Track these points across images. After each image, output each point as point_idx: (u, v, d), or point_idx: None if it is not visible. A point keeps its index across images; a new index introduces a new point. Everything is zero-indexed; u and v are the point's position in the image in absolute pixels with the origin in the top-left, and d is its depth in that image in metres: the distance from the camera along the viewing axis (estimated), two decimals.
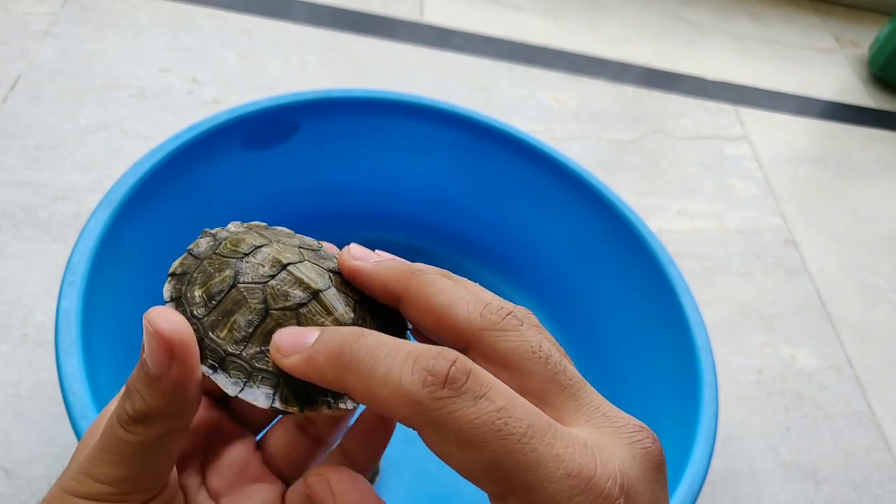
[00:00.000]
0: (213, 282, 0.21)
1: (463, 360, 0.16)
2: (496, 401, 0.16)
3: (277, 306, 0.20)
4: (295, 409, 0.20)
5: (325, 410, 0.20)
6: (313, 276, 0.21)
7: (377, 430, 0.22)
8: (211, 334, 0.20)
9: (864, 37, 1.23)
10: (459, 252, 0.64)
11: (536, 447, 0.16)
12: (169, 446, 0.19)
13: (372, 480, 0.51)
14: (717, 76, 1.05)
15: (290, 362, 0.18)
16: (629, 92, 0.97)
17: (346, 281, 0.22)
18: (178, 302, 0.21)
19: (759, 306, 0.75)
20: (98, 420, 0.22)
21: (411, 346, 0.17)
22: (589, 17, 1.08)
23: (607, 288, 0.57)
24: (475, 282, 0.20)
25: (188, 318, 0.20)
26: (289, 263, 0.21)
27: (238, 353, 0.20)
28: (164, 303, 0.21)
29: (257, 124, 0.54)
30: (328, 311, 0.20)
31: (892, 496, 0.63)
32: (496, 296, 0.19)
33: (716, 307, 0.74)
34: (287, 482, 0.23)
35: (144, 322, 0.18)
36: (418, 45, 0.92)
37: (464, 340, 0.18)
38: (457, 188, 0.61)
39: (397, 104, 0.57)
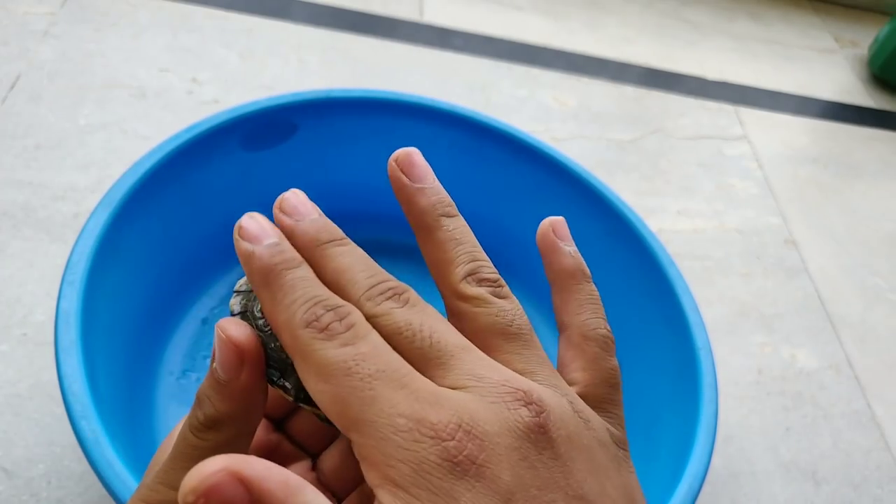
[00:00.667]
0: None
1: (353, 316, 0.18)
2: (360, 348, 0.18)
3: None
4: None
5: None
6: None
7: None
8: (273, 345, 0.21)
9: (863, 37, 1.23)
10: None
11: (376, 388, 0.17)
12: (238, 451, 0.20)
13: None
14: (717, 76, 1.05)
15: (239, 245, 0.20)
16: (629, 92, 0.97)
17: None
18: (244, 315, 0.22)
19: (759, 306, 0.75)
20: (168, 438, 0.23)
21: (324, 292, 0.19)
22: (589, 16, 1.08)
23: (607, 288, 0.57)
24: None
25: (254, 330, 0.22)
26: None
27: None
28: (229, 314, 0.23)
29: (257, 124, 0.54)
30: None
31: (891, 496, 0.63)
32: (380, 273, 0.20)
33: (715, 307, 0.74)
34: (340, 500, 0.24)
35: (217, 331, 0.20)
36: (418, 45, 0.92)
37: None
38: (456, 188, 0.61)
39: (397, 104, 0.57)
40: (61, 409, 0.50)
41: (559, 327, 0.23)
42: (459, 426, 0.17)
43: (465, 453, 0.16)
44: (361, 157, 0.60)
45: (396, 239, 0.64)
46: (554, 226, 0.23)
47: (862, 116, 1.07)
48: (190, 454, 0.20)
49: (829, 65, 1.16)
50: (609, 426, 0.20)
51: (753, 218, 0.85)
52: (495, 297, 0.20)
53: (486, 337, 0.20)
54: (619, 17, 1.11)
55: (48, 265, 0.58)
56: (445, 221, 0.22)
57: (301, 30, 0.88)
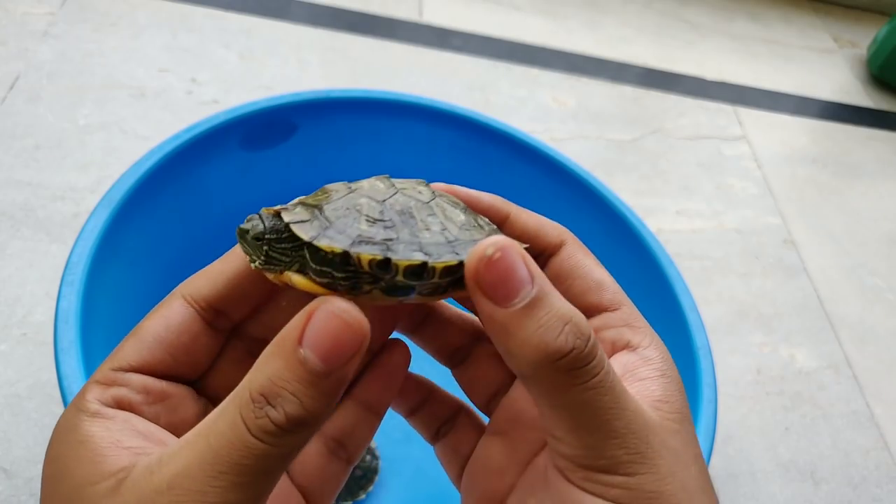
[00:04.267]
0: (363, 208, 0.21)
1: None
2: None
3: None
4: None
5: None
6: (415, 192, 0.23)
7: (391, 377, 0.24)
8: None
9: (862, 37, 1.23)
10: None
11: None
12: (295, 456, 0.18)
13: (371, 480, 0.51)
14: (716, 76, 1.05)
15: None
16: (628, 92, 0.97)
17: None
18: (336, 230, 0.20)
19: (758, 306, 0.75)
20: (144, 325, 0.21)
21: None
22: (588, 17, 1.08)
23: None
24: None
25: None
26: (390, 182, 0.22)
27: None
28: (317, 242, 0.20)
29: (256, 124, 0.54)
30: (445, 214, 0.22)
31: (890, 496, 0.63)
32: None
33: (715, 307, 0.74)
34: (311, 500, 0.24)
35: (329, 311, 0.17)
36: (417, 46, 0.92)
37: (550, 249, 0.24)
38: None
39: (396, 104, 0.57)
40: (61, 410, 0.50)
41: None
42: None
43: None
44: (361, 156, 0.60)
45: None
46: None
47: (861, 116, 1.08)
48: (253, 466, 0.16)
49: (828, 65, 1.16)
50: None
51: (752, 218, 0.85)
52: None
53: None
54: (619, 17, 1.11)
55: (47, 265, 0.58)
56: None
57: (300, 30, 0.88)
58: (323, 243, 0.19)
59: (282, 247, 0.20)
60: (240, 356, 0.23)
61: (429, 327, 0.26)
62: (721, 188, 0.88)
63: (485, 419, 0.26)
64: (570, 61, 0.99)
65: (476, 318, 0.25)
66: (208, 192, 0.53)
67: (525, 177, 0.59)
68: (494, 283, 0.18)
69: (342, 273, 0.19)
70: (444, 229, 0.21)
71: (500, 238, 0.18)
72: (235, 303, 0.22)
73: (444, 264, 0.20)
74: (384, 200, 0.21)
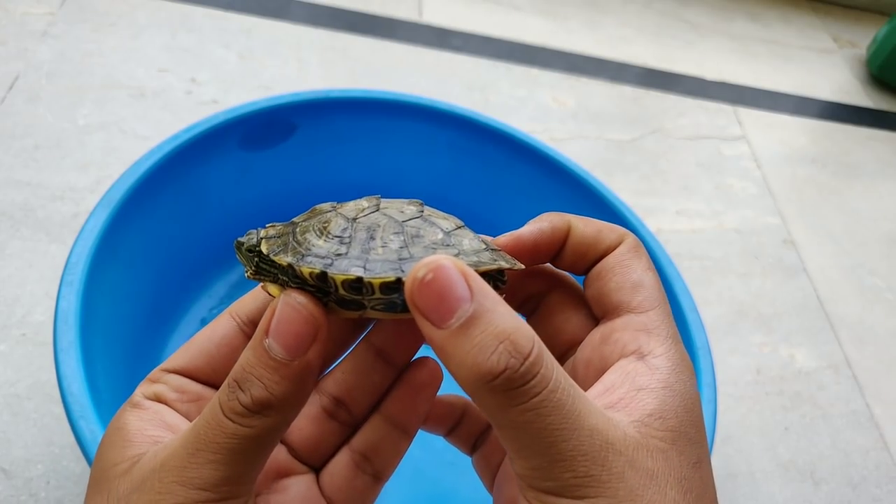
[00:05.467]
0: (329, 225, 0.22)
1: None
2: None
3: (402, 219, 0.22)
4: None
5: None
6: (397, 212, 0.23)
7: (411, 333, 0.24)
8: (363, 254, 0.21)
9: (862, 37, 1.23)
10: None
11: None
12: (274, 442, 0.19)
13: None
14: (716, 76, 1.05)
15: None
16: (628, 92, 0.97)
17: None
18: (295, 252, 0.21)
19: (758, 306, 0.75)
20: (118, 428, 0.21)
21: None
22: (588, 17, 1.08)
23: None
24: None
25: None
26: (375, 203, 0.23)
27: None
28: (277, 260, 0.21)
29: (256, 124, 0.54)
30: (432, 223, 0.22)
31: (890, 496, 0.63)
32: None
33: (714, 307, 0.74)
34: None
35: (287, 302, 0.19)
36: (417, 46, 0.92)
37: (609, 252, 0.24)
38: (456, 188, 0.61)
39: (396, 104, 0.57)
40: (60, 410, 0.50)
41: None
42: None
43: None
44: (361, 157, 0.60)
45: None
46: None
47: (860, 116, 1.08)
48: (225, 445, 0.18)
49: (828, 65, 1.16)
50: None
51: (752, 218, 0.85)
52: None
53: None
54: (618, 17, 1.11)
55: (47, 265, 0.58)
56: None
57: (300, 30, 0.88)
58: (276, 257, 0.21)
59: (269, 259, 0.22)
60: None
61: None
62: (721, 188, 0.88)
63: None
64: (569, 61, 0.99)
65: None
66: (208, 192, 0.53)
67: (525, 177, 0.59)
68: (429, 305, 0.18)
69: (295, 284, 0.21)
70: (402, 247, 0.21)
71: (435, 258, 0.18)
72: None
73: (380, 280, 0.20)
74: (355, 218, 0.22)
